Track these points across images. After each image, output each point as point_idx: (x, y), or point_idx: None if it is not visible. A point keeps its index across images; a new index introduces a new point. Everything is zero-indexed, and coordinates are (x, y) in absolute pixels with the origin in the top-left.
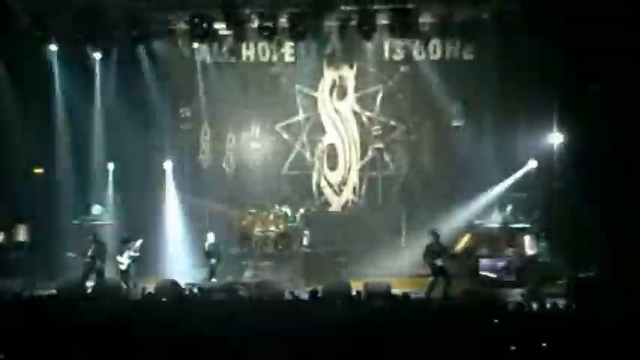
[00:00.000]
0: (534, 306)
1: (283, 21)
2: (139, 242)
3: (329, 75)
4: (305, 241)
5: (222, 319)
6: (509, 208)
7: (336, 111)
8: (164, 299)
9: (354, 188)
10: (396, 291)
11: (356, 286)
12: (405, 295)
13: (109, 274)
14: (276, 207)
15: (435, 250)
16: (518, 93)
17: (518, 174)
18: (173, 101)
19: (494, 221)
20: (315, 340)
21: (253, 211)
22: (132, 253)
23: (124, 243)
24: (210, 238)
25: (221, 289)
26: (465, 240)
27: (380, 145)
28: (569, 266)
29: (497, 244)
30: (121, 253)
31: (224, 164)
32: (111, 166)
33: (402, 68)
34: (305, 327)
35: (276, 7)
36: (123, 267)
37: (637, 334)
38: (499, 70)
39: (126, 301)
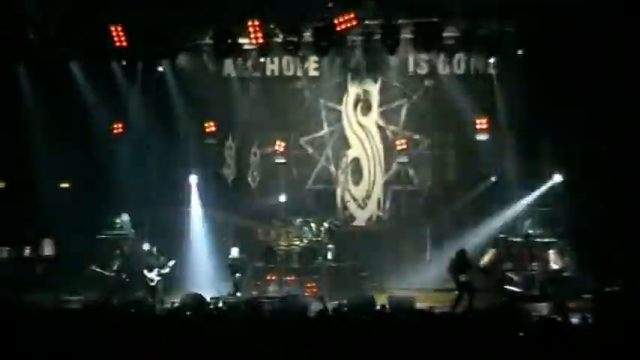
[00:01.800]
0: (559, 320)
1: (307, 35)
2: (171, 262)
3: (353, 89)
4: (329, 255)
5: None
6: (528, 222)
7: (361, 125)
8: (189, 313)
9: (379, 202)
10: (420, 305)
11: (380, 300)
12: (430, 310)
13: (136, 287)
14: (301, 221)
15: (460, 265)
16: (542, 107)
17: (543, 188)
18: (198, 116)
19: (519, 235)
20: (338, 355)
21: (278, 224)
22: (162, 271)
23: (154, 258)
24: (234, 252)
25: (246, 303)
26: (489, 254)
27: (404, 160)
28: (594, 280)
29: (522, 258)
30: (150, 269)
31: (249, 178)
32: (137, 180)
33: (427, 82)
34: (328, 341)
35: (301, 21)
36: (152, 283)
37: None
38: (523, 85)
39: (151, 315)
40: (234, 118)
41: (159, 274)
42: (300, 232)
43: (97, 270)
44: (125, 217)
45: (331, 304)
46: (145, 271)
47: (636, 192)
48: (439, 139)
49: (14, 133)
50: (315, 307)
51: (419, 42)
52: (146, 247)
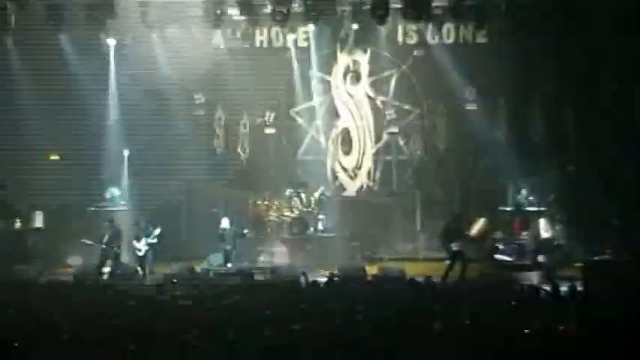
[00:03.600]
0: (549, 289)
1: (296, 6)
2: (157, 231)
3: (343, 59)
4: (320, 226)
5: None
6: (523, 191)
7: (350, 95)
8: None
9: (369, 173)
10: (411, 275)
11: (370, 271)
12: (422, 279)
13: (126, 259)
14: (291, 192)
15: (453, 233)
16: (531, 76)
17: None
18: (187, 87)
19: (511, 206)
20: (328, 325)
21: (268, 195)
22: (149, 240)
23: (141, 228)
24: (225, 223)
25: (236, 273)
26: (480, 224)
27: (394, 130)
28: (584, 249)
29: (513, 227)
30: (138, 239)
31: (238, 149)
32: (126, 152)
33: (416, 52)
34: (319, 312)
35: None
36: (140, 253)
37: None
38: (512, 54)
39: (142, 286)
40: (223, 90)
41: (147, 244)
42: (290, 203)
43: (87, 242)
44: (115, 189)
45: (323, 275)
46: (134, 242)
47: (627, 158)
48: (429, 109)
49: (3, 105)
50: (303, 278)
51: (408, 12)
52: (136, 218)
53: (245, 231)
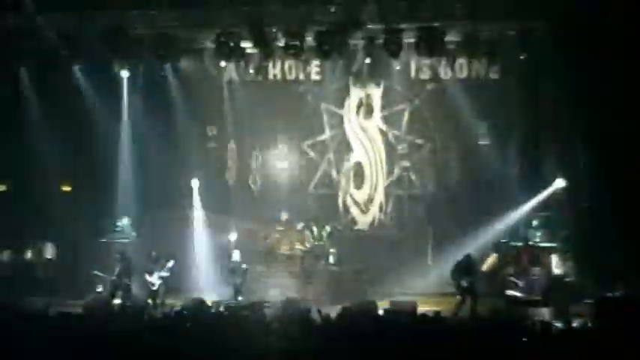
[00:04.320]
0: (561, 325)
1: (310, 39)
2: (170, 263)
3: (355, 93)
4: (331, 260)
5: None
6: (534, 223)
7: (363, 129)
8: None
9: (381, 207)
10: (422, 310)
11: (382, 305)
12: (433, 315)
13: (137, 290)
14: (303, 225)
15: (464, 269)
16: (544, 112)
17: (545, 193)
18: (199, 119)
19: (521, 240)
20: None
21: (280, 229)
22: (162, 274)
23: (154, 262)
24: (235, 256)
25: (247, 307)
26: (491, 259)
27: (406, 164)
28: (596, 286)
29: (524, 263)
30: (151, 273)
31: (250, 182)
32: (138, 184)
33: (429, 87)
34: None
35: (303, 25)
36: (154, 287)
37: None
38: (525, 89)
39: (152, 319)
40: (236, 122)
41: (160, 278)
42: (301, 236)
43: (99, 274)
44: (125, 220)
45: (333, 309)
46: (146, 276)
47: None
48: (441, 144)
49: (16, 135)
50: (315, 313)
51: (421, 46)
52: (150, 252)
53: (244, 266)
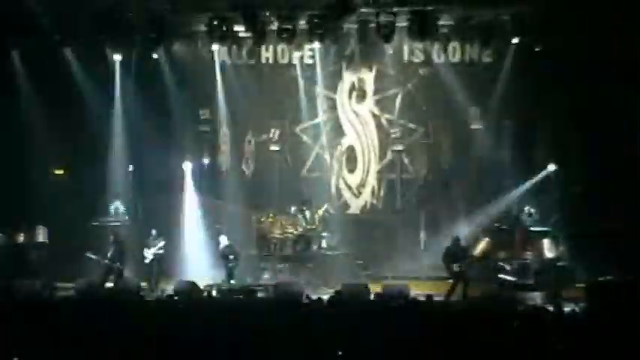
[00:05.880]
0: (552, 309)
1: (302, 23)
2: (161, 243)
3: (348, 77)
4: (323, 244)
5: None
6: (527, 210)
7: (355, 113)
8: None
9: (373, 191)
10: (414, 293)
11: (374, 289)
12: (425, 298)
13: (129, 274)
14: (295, 209)
15: (455, 254)
16: (537, 96)
17: (538, 177)
18: (192, 103)
19: (513, 225)
20: (332, 343)
21: (272, 213)
22: (155, 251)
23: (153, 239)
24: (224, 240)
25: (239, 290)
26: (483, 243)
27: (399, 148)
28: (588, 270)
29: (516, 247)
30: (149, 247)
31: (243, 166)
32: (130, 167)
33: (422, 71)
34: (323, 329)
35: (296, 9)
36: (146, 260)
37: None
38: (518, 73)
39: (144, 302)
40: (228, 106)
41: (154, 254)
42: (294, 220)
43: (92, 256)
44: (118, 204)
45: (326, 293)
46: (145, 250)
47: (631, 181)
48: (434, 128)
49: (8, 118)
50: (307, 296)
51: (414, 30)
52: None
53: (237, 250)
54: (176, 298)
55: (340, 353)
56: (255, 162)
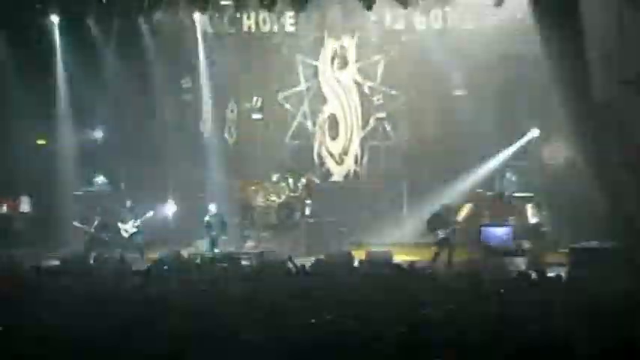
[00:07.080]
0: (535, 275)
1: None
2: (150, 213)
3: (330, 45)
4: (307, 211)
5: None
6: (510, 176)
7: (338, 81)
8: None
9: (356, 158)
10: (398, 260)
11: (358, 256)
12: (409, 264)
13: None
14: (278, 177)
15: (439, 220)
16: (520, 62)
17: (521, 143)
18: (174, 72)
19: (496, 190)
20: (315, 311)
21: (255, 181)
22: (137, 223)
23: (130, 211)
24: (212, 209)
25: (223, 259)
26: (466, 209)
27: (381, 115)
28: (570, 235)
29: (499, 213)
30: (125, 221)
31: (225, 134)
32: (113, 137)
33: (404, 38)
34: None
35: None
36: (126, 234)
37: (638, 304)
38: (501, 39)
39: (127, 271)
40: (210, 75)
41: (134, 227)
42: (277, 188)
43: (78, 225)
44: (100, 177)
45: (309, 261)
46: (120, 224)
47: (615, 145)
48: (417, 95)
49: None
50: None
51: None
52: (128, 203)
53: (223, 219)
54: (161, 266)
55: (329, 317)
56: (237, 130)
